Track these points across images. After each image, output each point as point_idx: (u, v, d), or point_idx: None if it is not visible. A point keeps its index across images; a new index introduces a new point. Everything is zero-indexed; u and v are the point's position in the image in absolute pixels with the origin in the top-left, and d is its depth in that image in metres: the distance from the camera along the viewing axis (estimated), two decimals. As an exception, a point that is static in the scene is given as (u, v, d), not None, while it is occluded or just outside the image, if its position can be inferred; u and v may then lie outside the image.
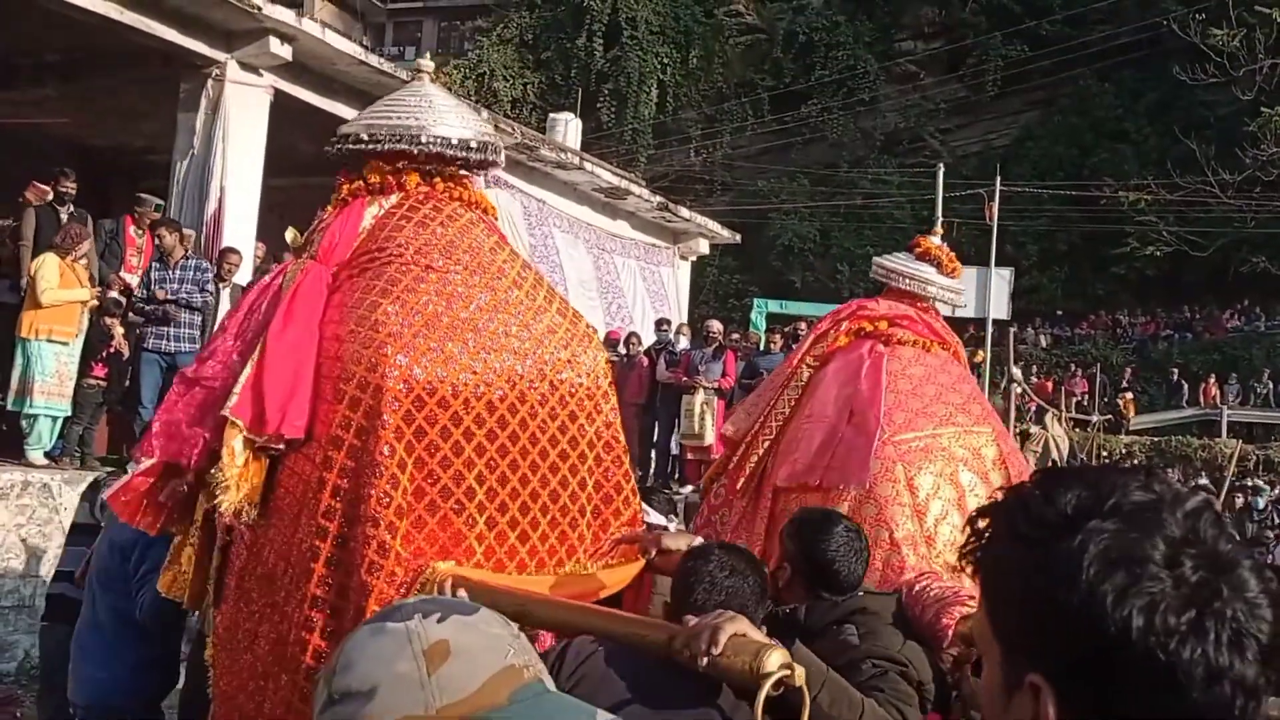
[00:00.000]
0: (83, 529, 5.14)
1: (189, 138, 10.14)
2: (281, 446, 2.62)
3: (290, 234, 3.08)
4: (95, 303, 8.18)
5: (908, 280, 4.14)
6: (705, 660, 1.98)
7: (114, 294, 8.55)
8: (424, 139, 2.89)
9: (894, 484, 3.55)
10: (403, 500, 2.52)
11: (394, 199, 2.92)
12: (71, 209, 8.66)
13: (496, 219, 3.15)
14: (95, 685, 3.88)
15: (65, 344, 7.99)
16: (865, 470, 3.56)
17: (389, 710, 1.09)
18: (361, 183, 2.95)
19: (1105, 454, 17.12)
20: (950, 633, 2.64)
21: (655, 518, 4.04)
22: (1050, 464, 10.18)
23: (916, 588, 2.94)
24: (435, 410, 2.58)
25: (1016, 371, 10.81)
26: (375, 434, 2.52)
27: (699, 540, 2.96)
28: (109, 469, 6.41)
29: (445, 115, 2.97)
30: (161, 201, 9.31)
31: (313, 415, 2.63)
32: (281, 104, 10.64)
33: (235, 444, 2.58)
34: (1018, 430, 10.01)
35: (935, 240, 4.28)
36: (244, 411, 2.60)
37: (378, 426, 2.53)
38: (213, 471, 2.59)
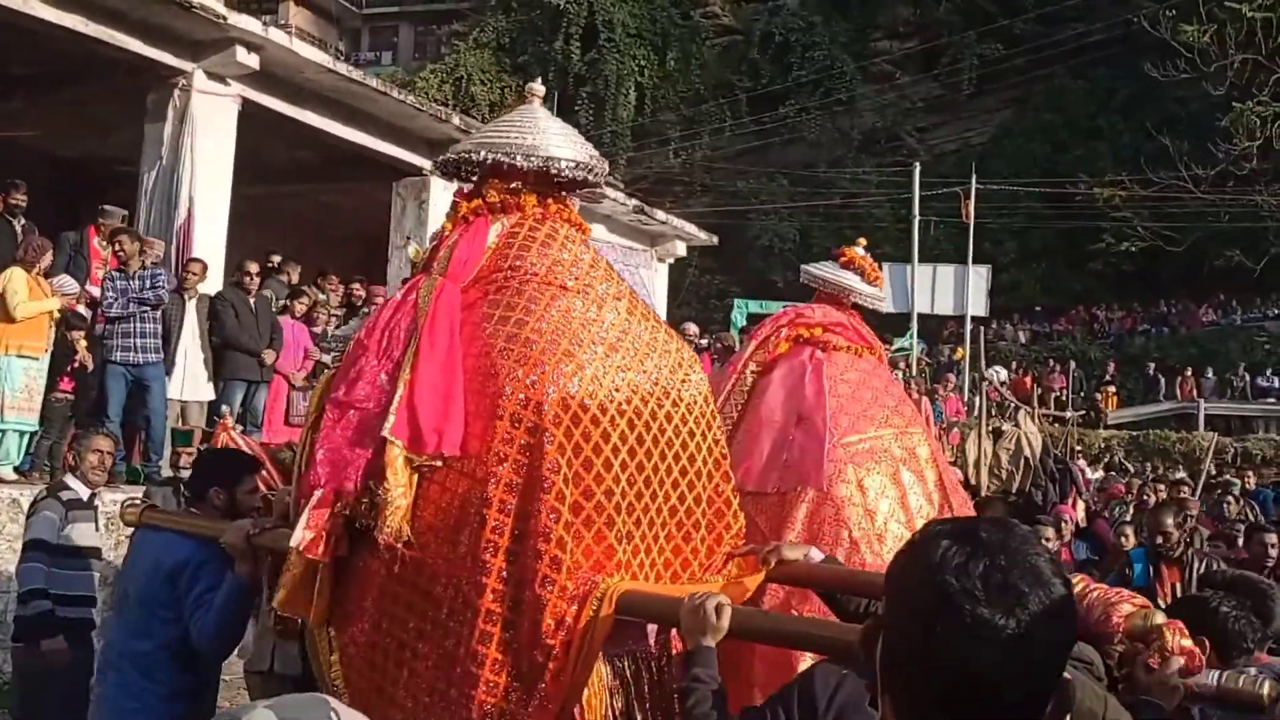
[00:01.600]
0: (39, 545, 5.08)
1: (157, 148, 10.10)
2: (439, 464, 2.68)
3: (413, 250, 3.22)
4: (69, 306, 8.14)
5: (834, 287, 4.39)
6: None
7: (80, 307, 8.51)
8: (541, 157, 3.00)
9: (847, 484, 3.70)
10: (568, 515, 2.59)
11: (513, 219, 3.02)
12: (24, 221, 8.61)
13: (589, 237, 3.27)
14: (122, 714, 3.69)
15: (35, 359, 7.95)
16: (820, 472, 3.71)
17: None
18: (481, 201, 3.04)
19: (1080, 449, 17.20)
20: (1120, 629, 2.64)
21: None
22: (1023, 461, 10.23)
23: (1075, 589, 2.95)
24: (589, 427, 2.67)
25: (993, 370, 10.87)
26: (540, 450, 2.60)
27: (815, 551, 3.05)
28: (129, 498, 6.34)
29: (556, 137, 3.08)
30: (125, 211, 9.27)
31: (468, 432, 2.69)
32: (250, 113, 10.60)
33: (398, 464, 2.65)
34: (990, 428, 10.07)
35: (859, 251, 4.52)
36: (402, 432, 2.67)
37: (543, 442, 2.60)
38: (379, 492, 2.66)
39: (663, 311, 16.95)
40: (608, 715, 2.68)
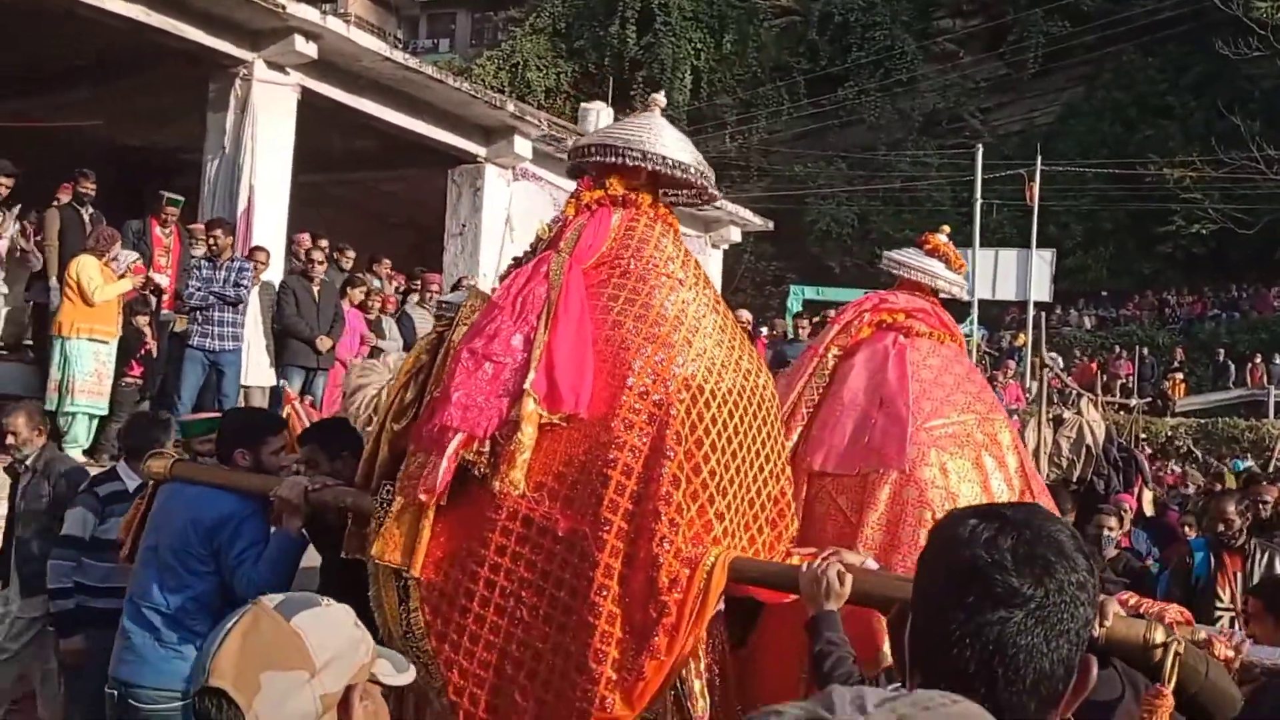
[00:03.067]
0: (69, 542, 5.04)
1: (219, 137, 10.28)
2: (559, 424, 2.86)
3: (540, 226, 3.50)
4: (140, 286, 8.36)
5: (918, 274, 4.34)
6: (1099, 633, 2.13)
7: (147, 291, 8.72)
8: (660, 158, 3.22)
9: (930, 467, 3.70)
10: (686, 486, 2.79)
11: (629, 212, 3.27)
12: (91, 210, 8.82)
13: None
14: (149, 664, 3.75)
15: (105, 343, 8.15)
16: (903, 454, 3.72)
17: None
18: (604, 193, 3.28)
19: (1145, 437, 16.80)
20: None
21: None
22: (1085, 449, 9.98)
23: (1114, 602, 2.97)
24: (703, 408, 2.88)
25: (1051, 356, 10.65)
26: (665, 422, 2.81)
27: (872, 560, 3.10)
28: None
29: (673, 142, 3.31)
30: (182, 198, 9.44)
31: (595, 396, 2.89)
32: (309, 101, 10.74)
33: (534, 418, 2.83)
34: (1050, 415, 9.86)
35: (942, 238, 4.47)
36: (540, 388, 2.86)
37: (669, 417, 2.81)
38: (506, 443, 2.81)
39: (718, 297, 16.87)
40: (702, 675, 2.91)
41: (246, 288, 8.68)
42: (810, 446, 3.92)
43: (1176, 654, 2.20)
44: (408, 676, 1.54)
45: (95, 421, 8.23)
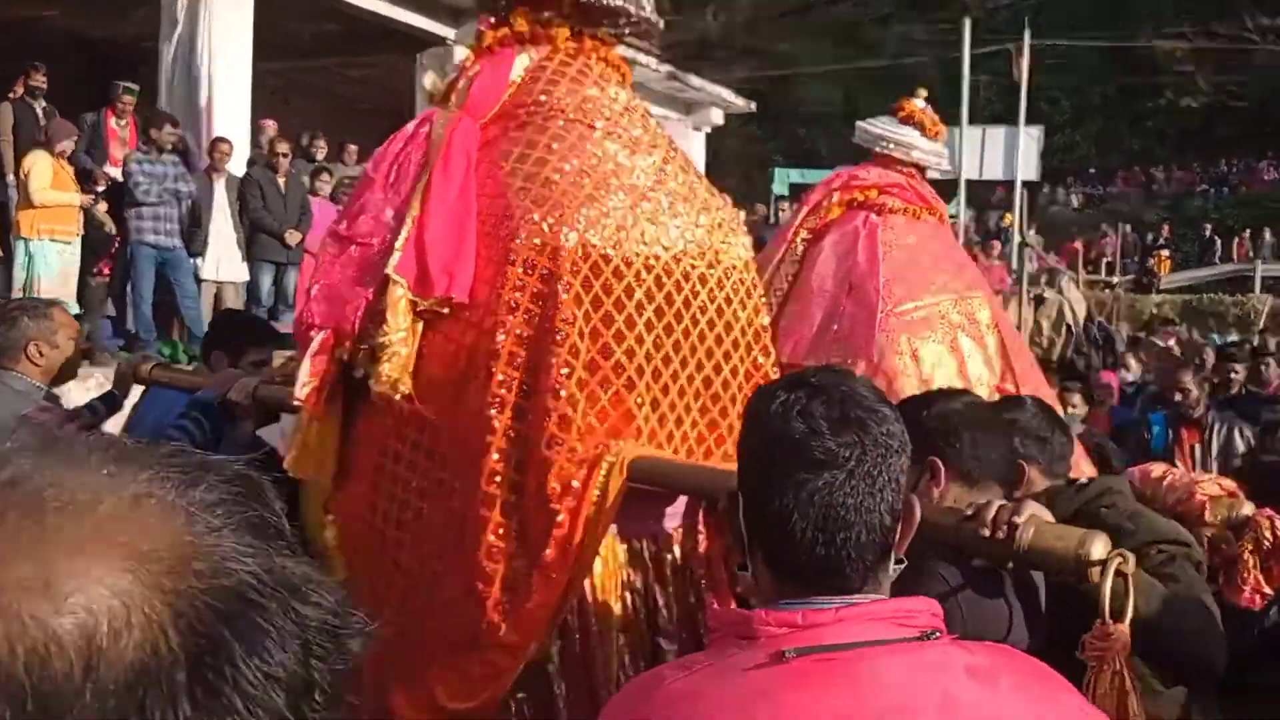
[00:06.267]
0: None
1: (174, 25, 9.90)
2: (446, 311, 2.48)
3: (429, 80, 2.91)
4: (88, 203, 8.13)
5: (892, 145, 4.08)
6: (1017, 548, 1.81)
7: (100, 187, 8.49)
8: None
9: (900, 356, 3.58)
10: (583, 373, 2.39)
11: (543, 51, 2.73)
12: (44, 104, 8.55)
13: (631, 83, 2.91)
14: None
15: (68, 243, 7.99)
16: (871, 343, 3.59)
17: None
18: (508, 30, 2.74)
19: (1120, 315, 16.83)
20: (1206, 510, 2.48)
21: None
22: (1065, 329, 9.98)
23: (1142, 472, 2.74)
24: (610, 279, 2.44)
25: (1035, 236, 10.56)
26: (555, 299, 2.38)
27: None
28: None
29: None
30: (135, 86, 9.14)
31: (477, 277, 2.48)
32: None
33: (400, 306, 2.44)
34: (1031, 295, 9.81)
35: (919, 103, 4.20)
36: (408, 271, 2.45)
37: (558, 291, 2.38)
38: (374, 336, 2.44)
39: (700, 182, 16.63)
40: (623, 596, 2.52)
41: (193, 186, 8.41)
42: (780, 337, 3.75)
43: (1121, 574, 1.71)
44: None
45: (64, 322, 8.12)
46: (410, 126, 2.72)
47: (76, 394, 6.83)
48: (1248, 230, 25.24)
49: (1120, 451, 5.71)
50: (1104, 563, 1.73)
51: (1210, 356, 10.09)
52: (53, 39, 11.95)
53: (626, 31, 2.89)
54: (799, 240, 4.01)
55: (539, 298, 2.40)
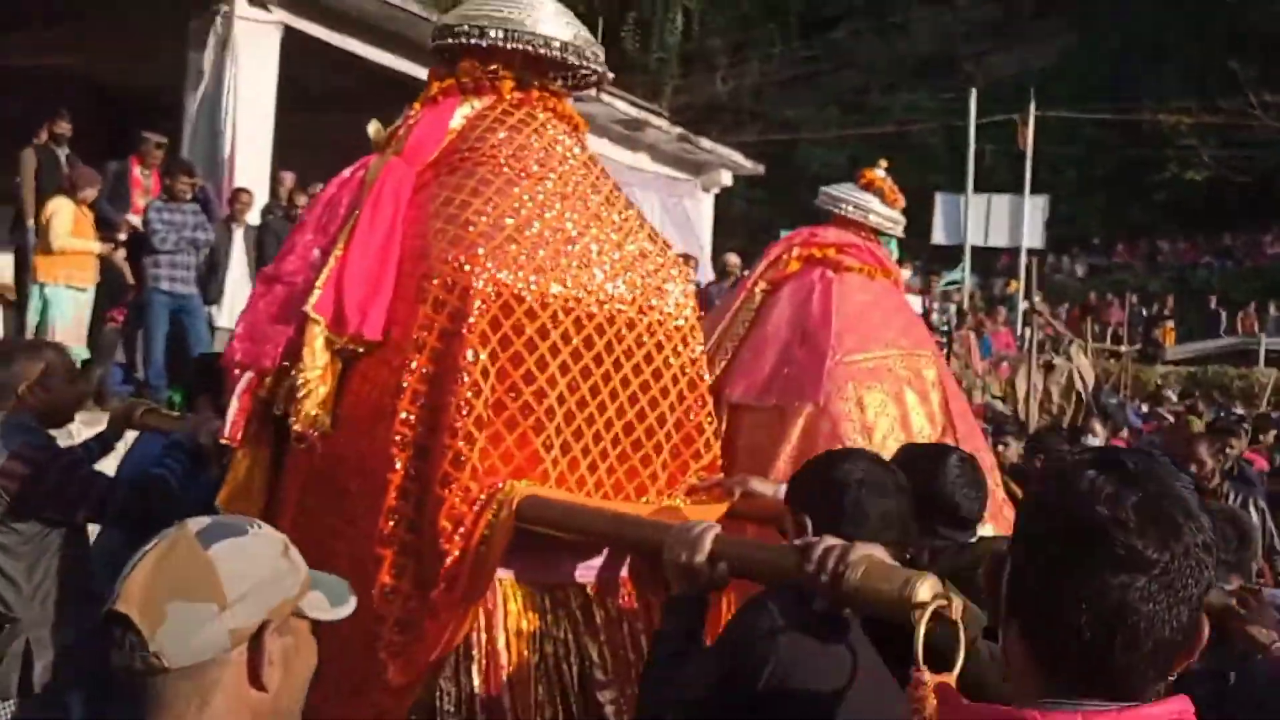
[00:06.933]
0: None
1: (199, 76, 10.05)
2: (361, 350, 2.50)
3: (373, 128, 2.89)
4: (108, 252, 8.18)
5: (851, 208, 4.27)
6: (843, 587, 1.79)
7: (121, 236, 8.56)
8: (526, 35, 2.70)
9: (846, 401, 3.71)
10: (483, 411, 2.38)
11: (486, 101, 2.77)
12: (68, 150, 8.64)
13: (586, 137, 2.96)
14: None
15: (83, 290, 8.03)
16: (819, 388, 3.71)
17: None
18: (454, 81, 2.79)
19: (1128, 385, 16.80)
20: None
21: None
22: (1075, 396, 10.00)
23: None
24: (522, 319, 2.44)
25: (1041, 303, 10.62)
26: (459, 337, 2.39)
27: (784, 489, 2.87)
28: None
29: (549, 17, 2.77)
30: (164, 139, 9.25)
31: (392, 317, 2.50)
32: (292, 40, 10.49)
33: (316, 344, 2.47)
34: (1041, 361, 9.84)
35: (879, 173, 4.41)
36: (326, 309, 2.48)
37: (462, 330, 2.39)
38: (292, 374, 2.47)
39: (707, 242, 16.74)
40: (542, 646, 2.47)
41: (212, 235, 8.48)
42: (732, 379, 3.93)
43: (948, 621, 1.65)
44: (345, 610, 1.45)
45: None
46: (347, 171, 2.77)
47: (86, 436, 6.82)
48: (1253, 304, 25.33)
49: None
50: (925, 606, 1.66)
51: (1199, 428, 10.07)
52: (76, 87, 12.11)
53: (578, 82, 2.97)
54: (758, 290, 4.18)
55: (446, 336, 2.41)
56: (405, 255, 2.54)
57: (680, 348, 2.70)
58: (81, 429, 7.40)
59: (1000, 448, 6.31)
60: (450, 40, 2.78)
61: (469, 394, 2.37)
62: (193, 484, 3.26)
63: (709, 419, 2.78)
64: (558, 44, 2.72)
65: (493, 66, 2.77)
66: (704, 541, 2.08)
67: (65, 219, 7.82)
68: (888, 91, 32.27)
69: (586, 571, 2.59)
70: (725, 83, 32.90)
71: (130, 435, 3.88)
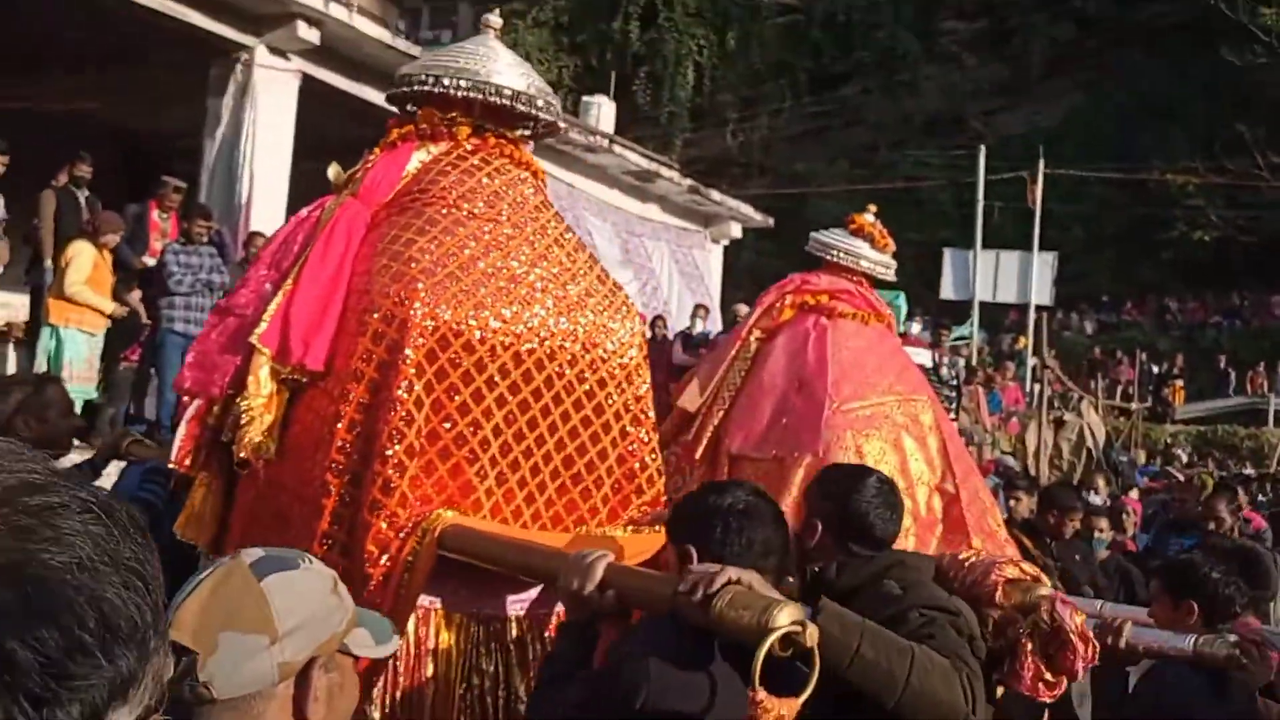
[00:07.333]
0: None
1: (218, 123, 10.19)
2: (304, 380, 2.59)
3: (333, 170, 2.99)
4: (119, 314, 8.20)
5: (842, 254, 4.28)
6: (711, 614, 1.86)
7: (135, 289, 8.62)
8: (479, 84, 2.83)
9: (845, 450, 3.68)
10: (416, 440, 2.45)
11: (443, 147, 2.88)
12: (88, 193, 8.74)
13: (545, 184, 3.08)
14: None
15: (94, 334, 8.08)
16: (817, 438, 3.70)
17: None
18: (412, 128, 2.90)
19: (1138, 442, 16.74)
20: (998, 590, 2.53)
21: None
22: (1085, 452, 9.95)
23: (951, 555, 2.86)
24: (459, 353, 2.52)
25: (1048, 358, 10.61)
26: (395, 368, 2.47)
27: None
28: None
29: (502, 66, 2.90)
30: (184, 184, 9.36)
31: (335, 349, 2.59)
32: (310, 88, 10.65)
33: (261, 373, 2.55)
34: (1051, 418, 9.80)
35: (868, 218, 4.43)
36: (271, 340, 2.57)
37: (398, 361, 2.47)
38: (237, 402, 2.55)
39: (716, 293, 16.82)
40: (469, 678, 2.49)
41: (228, 277, 8.55)
42: (730, 429, 3.93)
43: (802, 647, 1.76)
44: (388, 648, 1.45)
45: (82, 405, 8.15)
46: (305, 211, 2.89)
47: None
48: (1262, 363, 25.28)
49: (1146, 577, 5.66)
50: (776, 630, 1.74)
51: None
52: (97, 131, 12.29)
53: (537, 131, 3.13)
54: (752, 339, 4.17)
55: (383, 367, 2.50)
56: (351, 290, 2.64)
57: (624, 385, 2.77)
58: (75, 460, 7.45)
59: (1012, 502, 6.27)
60: (408, 89, 2.91)
61: (401, 423, 2.44)
62: (170, 509, 3.27)
63: (652, 455, 2.85)
64: (509, 92, 2.85)
65: (451, 114, 2.90)
66: (595, 570, 2.15)
67: (84, 265, 7.87)
68: (896, 148, 32.48)
69: (521, 604, 2.63)
70: (735, 137, 33.24)
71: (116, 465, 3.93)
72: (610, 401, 2.73)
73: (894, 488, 2.84)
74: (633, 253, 15.01)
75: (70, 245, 7.97)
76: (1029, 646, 2.39)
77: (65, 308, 7.90)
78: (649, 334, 12.03)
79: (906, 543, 3.50)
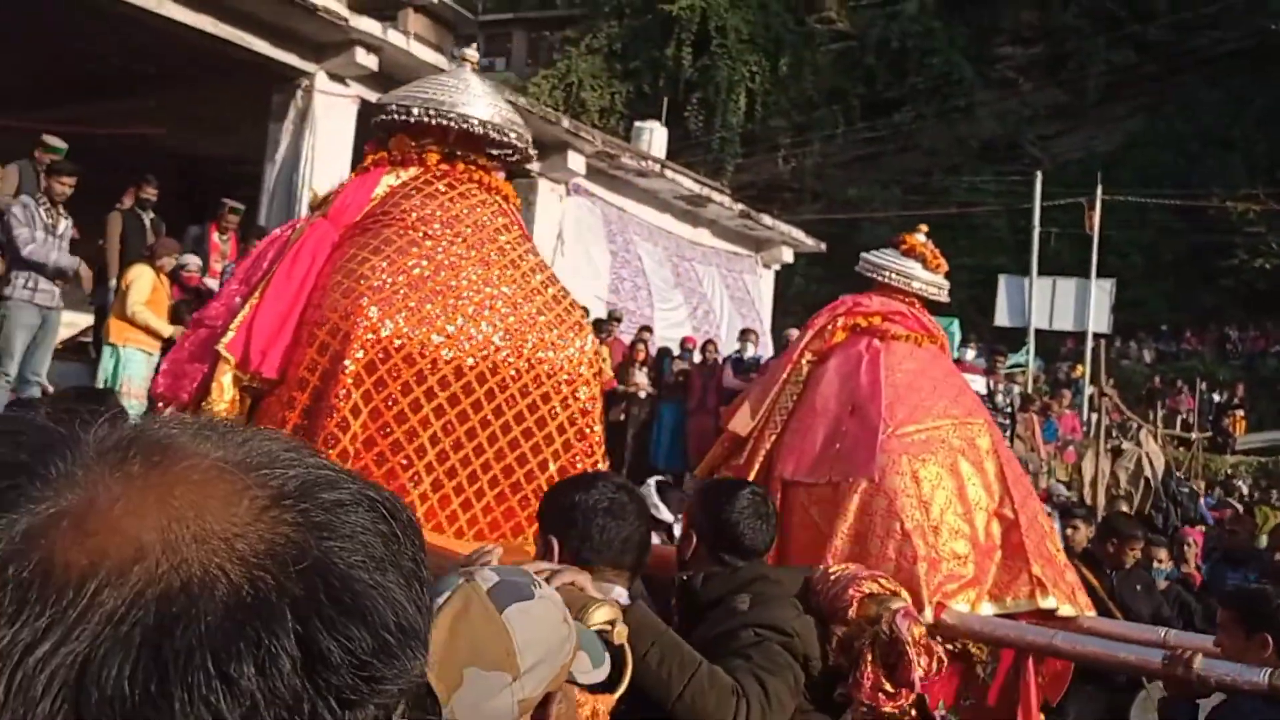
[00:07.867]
0: None
1: (278, 147, 10.40)
2: (263, 388, 2.77)
3: (311, 194, 3.27)
4: (178, 334, 8.40)
5: (894, 275, 4.22)
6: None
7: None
8: (450, 113, 2.97)
9: (901, 475, 3.60)
10: (350, 445, 2.59)
11: (412, 172, 3.03)
12: (153, 215, 8.95)
13: (519, 208, 3.23)
14: None
15: (150, 354, 8.26)
16: (872, 463, 3.63)
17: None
18: (384, 154, 3.07)
19: (1198, 473, 16.34)
20: (854, 604, 2.58)
21: (665, 514, 4.16)
22: (1144, 481, 9.73)
23: (822, 570, 2.89)
24: (399, 364, 2.66)
25: (1107, 386, 10.42)
26: (335, 377, 2.62)
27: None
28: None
29: (474, 98, 3.06)
30: (241, 205, 9.55)
31: (289, 359, 2.75)
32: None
33: (225, 379, 2.72)
34: (1109, 446, 9.61)
35: (920, 238, 4.38)
36: (236, 349, 2.74)
37: (338, 371, 2.62)
38: (203, 407, 2.70)
39: (767, 318, 16.77)
40: None
41: None
42: (783, 454, 3.87)
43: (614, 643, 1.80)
44: (601, 673, 1.43)
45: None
46: (278, 230, 3.09)
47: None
48: (1325, 394, 24.63)
49: (1206, 610, 5.53)
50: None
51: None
52: (160, 156, 12.59)
53: (511, 158, 3.27)
54: (804, 362, 4.12)
55: (325, 376, 2.66)
56: (308, 305, 2.81)
57: (569, 399, 2.89)
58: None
59: (1069, 530, 6.15)
60: (383, 117, 3.07)
61: (336, 429, 2.59)
62: None
63: (593, 469, 2.92)
64: (476, 121, 3.00)
65: (424, 141, 3.05)
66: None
67: (144, 287, 8.08)
68: (951, 173, 32.24)
69: None
70: (787, 162, 33.21)
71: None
72: (553, 415, 2.85)
73: (766, 499, 2.85)
74: (683, 277, 15.03)
75: (131, 269, 8.18)
76: (869, 656, 2.46)
77: (125, 328, 8.10)
78: (699, 358, 12.02)
79: (965, 570, 3.44)
